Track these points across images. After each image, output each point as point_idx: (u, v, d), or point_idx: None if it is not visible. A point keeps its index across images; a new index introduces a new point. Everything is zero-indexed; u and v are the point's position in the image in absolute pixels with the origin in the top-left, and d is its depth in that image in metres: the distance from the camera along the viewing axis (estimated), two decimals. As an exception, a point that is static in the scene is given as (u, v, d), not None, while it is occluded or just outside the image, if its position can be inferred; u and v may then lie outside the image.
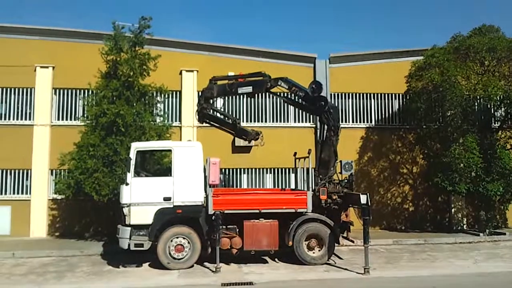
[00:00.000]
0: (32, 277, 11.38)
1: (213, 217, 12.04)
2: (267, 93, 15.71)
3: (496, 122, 19.60)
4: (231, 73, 15.84)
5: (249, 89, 14.24)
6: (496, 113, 19.58)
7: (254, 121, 19.70)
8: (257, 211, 12.53)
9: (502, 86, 16.98)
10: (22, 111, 19.07)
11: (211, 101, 14.61)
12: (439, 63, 17.48)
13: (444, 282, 10.60)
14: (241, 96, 17.35)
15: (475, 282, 10.77)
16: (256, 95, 15.31)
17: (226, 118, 15.35)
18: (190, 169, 12.36)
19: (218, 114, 15.54)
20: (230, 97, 16.34)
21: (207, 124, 15.16)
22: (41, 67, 18.87)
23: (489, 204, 18.63)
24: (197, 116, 14.70)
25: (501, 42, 17.24)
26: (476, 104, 19.25)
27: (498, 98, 17.40)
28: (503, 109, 18.97)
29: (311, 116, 19.48)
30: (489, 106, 19.07)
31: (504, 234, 17.68)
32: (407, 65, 19.09)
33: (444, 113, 18.92)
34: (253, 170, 19.96)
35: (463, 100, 17.46)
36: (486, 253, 14.51)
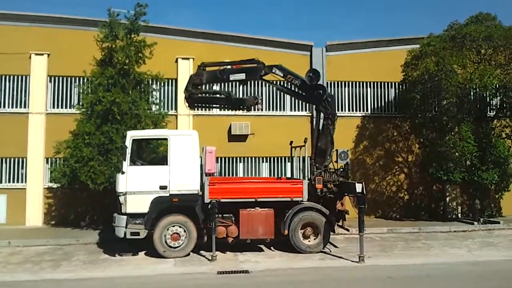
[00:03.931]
0: (28, 266, 11.39)
1: (209, 205, 12.05)
2: (263, 82, 15.60)
3: (492, 111, 19.61)
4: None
5: (242, 76, 14.00)
6: (491, 102, 19.59)
7: (253, 110, 19.62)
8: (253, 200, 12.55)
9: (498, 74, 16.93)
10: (17, 98, 18.93)
11: (199, 86, 14.35)
12: (435, 51, 17.43)
13: (438, 271, 10.67)
14: (235, 85, 17.22)
15: (469, 271, 10.84)
16: (249, 82, 15.10)
17: (218, 95, 15.20)
18: (186, 158, 12.35)
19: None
20: (222, 84, 16.12)
21: (199, 110, 14.83)
22: (36, 54, 18.72)
23: (484, 192, 18.76)
24: (186, 103, 14.52)
25: (497, 30, 17.20)
26: (471, 93, 19.23)
27: (494, 87, 17.38)
28: (498, 98, 18.97)
29: (307, 104, 19.46)
30: (484, 95, 19.06)
31: (498, 222, 17.77)
32: (404, 54, 19.02)
33: (439, 102, 18.93)
34: (249, 158, 19.97)
35: (458, 89, 17.43)
36: (480, 242, 14.59)
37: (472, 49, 17.75)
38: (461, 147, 17.12)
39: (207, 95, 15.14)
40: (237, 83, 15.10)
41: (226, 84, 16.03)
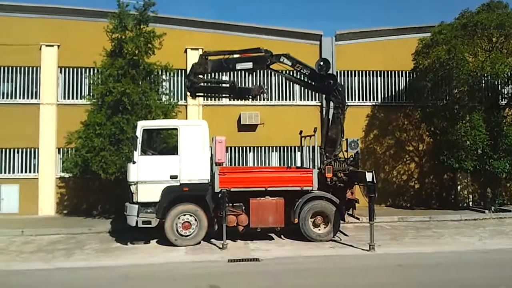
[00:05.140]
0: (41, 255, 11.53)
1: (220, 194, 12.11)
2: (271, 71, 15.48)
3: (503, 100, 19.42)
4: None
5: (249, 65, 13.82)
6: (503, 90, 19.41)
7: (259, 99, 19.60)
8: (263, 189, 12.58)
9: (510, 62, 16.80)
10: (28, 90, 19.09)
11: (202, 75, 14.27)
12: (447, 40, 17.29)
13: (448, 259, 10.66)
14: (244, 74, 17.08)
15: (480, 259, 10.83)
16: (258, 72, 14.92)
17: (222, 84, 15.08)
18: (196, 148, 12.41)
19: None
20: (230, 74, 15.89)
21: (206, 100, 14.64)
22: (46, 45, 18.83)
23: (495, 181, 18.62)
24: (188, 92, 14.49)
25: (509, 18, 16.97)
26: (483, 81, 19.07)
27: (506, 75, 17.23)
28: (510, 86, 18.82)
29: (317, 94, 19.40)
30: (496, 83, 18.89)
31: (510, 211, 17.69)
32: (414, 42, 18.89)
33: (450, 91, 18.80)
34: (259, 148, 20.00)
35: (470, 77, 17.30)
36: (492, 230, 14.54)
37: (483, 37, 17.59)
38: (472, 136, 17.02)
39: (211, 84, 15.05)
40: (246, 72, 14.99)
41: (234, 73, 15.90)
